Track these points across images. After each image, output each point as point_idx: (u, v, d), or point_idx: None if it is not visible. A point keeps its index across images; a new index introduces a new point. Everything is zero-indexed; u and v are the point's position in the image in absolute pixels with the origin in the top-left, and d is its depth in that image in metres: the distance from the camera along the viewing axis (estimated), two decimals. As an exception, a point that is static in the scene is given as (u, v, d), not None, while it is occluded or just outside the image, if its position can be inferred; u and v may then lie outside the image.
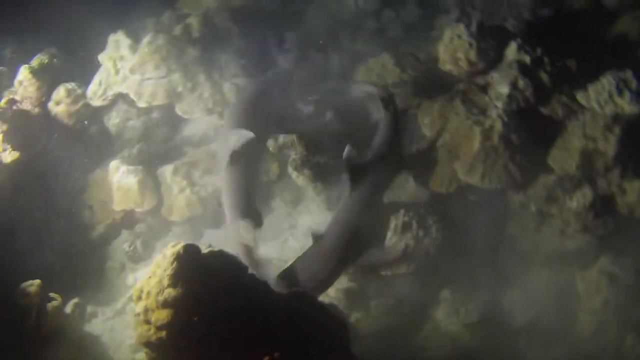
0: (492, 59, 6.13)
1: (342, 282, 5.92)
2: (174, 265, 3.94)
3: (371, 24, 7.91)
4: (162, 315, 3.92)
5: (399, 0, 7.92)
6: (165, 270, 3.96)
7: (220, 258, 4.05)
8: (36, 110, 7.10)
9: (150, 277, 3.99)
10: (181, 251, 3.98)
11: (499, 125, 5.75)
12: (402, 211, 5.75)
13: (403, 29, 7.86)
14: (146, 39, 6.88)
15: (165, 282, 3.93)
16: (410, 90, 6.44)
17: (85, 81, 7.33)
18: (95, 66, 7.44)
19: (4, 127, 6.62)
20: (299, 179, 6.55)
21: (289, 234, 6.81)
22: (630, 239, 5.35)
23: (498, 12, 7.33)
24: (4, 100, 7.00)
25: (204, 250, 4.18)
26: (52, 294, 5.94)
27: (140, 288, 4.05)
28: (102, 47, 7.41)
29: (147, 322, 3.98)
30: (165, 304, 3.94)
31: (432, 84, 6.44)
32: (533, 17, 6.88)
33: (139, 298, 4.06)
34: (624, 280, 5.28)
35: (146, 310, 3.98)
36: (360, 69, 6.84)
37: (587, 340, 5.24)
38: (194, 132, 7.19)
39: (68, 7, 7.26)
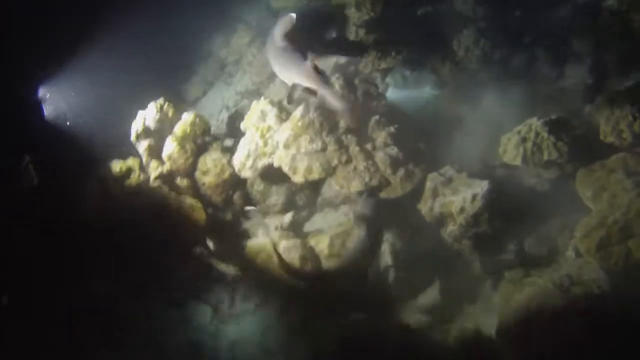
0: (656, 128, 6.21)
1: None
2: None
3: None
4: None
5: (526, 47, 7.85)
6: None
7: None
8: (185, 182, 7.22)
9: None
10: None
11: (674, 201, 5.87)
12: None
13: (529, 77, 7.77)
14: (298, 113, 6.90)
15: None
16: (566, 158, 6.52)
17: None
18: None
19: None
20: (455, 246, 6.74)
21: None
22: None
23: (636, 53, 7.23)
24: (154, 177, 7.12)
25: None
26: None
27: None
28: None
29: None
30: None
31: (587, 151, 6.53)
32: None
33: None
34: None
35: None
36: (509, 138, 6.69)
37: None
38: (335, 193, 7.31)
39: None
